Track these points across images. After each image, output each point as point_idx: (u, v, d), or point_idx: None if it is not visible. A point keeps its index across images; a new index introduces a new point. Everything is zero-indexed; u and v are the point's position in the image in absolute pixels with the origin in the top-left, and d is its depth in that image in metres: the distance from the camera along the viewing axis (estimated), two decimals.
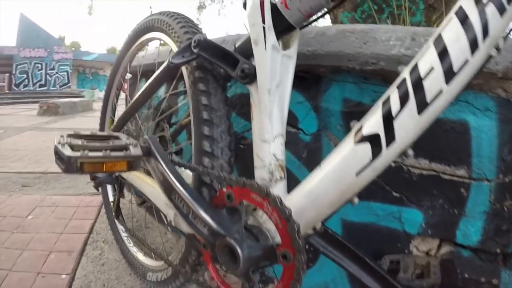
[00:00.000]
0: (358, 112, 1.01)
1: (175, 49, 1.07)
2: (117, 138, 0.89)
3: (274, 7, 0.79)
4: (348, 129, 1.03)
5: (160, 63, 1.58)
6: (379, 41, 0.95)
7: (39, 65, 24.66)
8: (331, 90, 1.09)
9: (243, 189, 0.72)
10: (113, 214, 1.60)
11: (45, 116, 9.96)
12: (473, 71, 0.56)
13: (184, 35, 1.02)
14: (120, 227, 1.66)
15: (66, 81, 25.81)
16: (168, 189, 0.83)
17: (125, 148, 0.81)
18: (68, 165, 0.73)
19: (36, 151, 4.48)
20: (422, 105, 0.56)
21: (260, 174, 0.79)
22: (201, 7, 10.05)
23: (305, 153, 1.17)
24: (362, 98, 1.02)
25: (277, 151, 0.77)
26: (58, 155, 0.79)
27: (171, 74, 1.01)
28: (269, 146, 0.77)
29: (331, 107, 1.08)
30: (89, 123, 8.81)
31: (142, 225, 2.02)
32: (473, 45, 0.54)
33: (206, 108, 0.91)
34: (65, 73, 25.74)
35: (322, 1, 0.72)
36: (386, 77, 0.96)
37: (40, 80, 24.76)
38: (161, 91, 1.72)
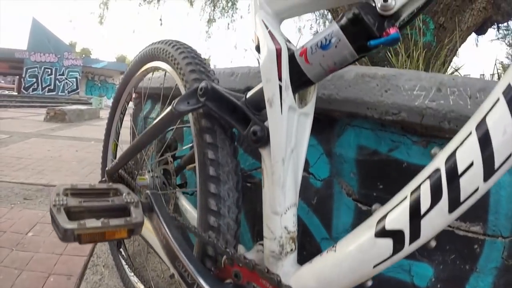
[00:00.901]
0: (373, 161, 0.97)
1: (180, 84, 1.03)
2: (117, 192, 0.84)
3: (291, 58, 0.71)
4: (362, 178, 1.01)
5: (166, 88, 1.59)
6: (402, 89, 0.90)
7: (49, 70, 25.11)
8: (345, 136, 1.04)
9: (253, 273, 0.68)
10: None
11: (51, 123, 9.99)
12: None
13: (190, 75, 0.97)
14: (121, 255, 1.62)
15: (75, 87, 26.26)
16: (171, 255, 0.79)
17: (125, 208, 0.76)
18: (65, 236, 0.68)
19: (39, 161, 4.46)
20: (454, 204, 0.50)
21: (270, 246, 0.73)
22: (210, 20, 10.11)
23: (315, 199, 1.11)
24: (378, 147, 0.97)
25: (288, 223, 0.71)
26: (54, 222, 0.72)
27: (176, 120, 0.96)
28: (280, 218, 0.71)
29: (345, 154, 1.03)
30: (95, 131, 8.84)
31: (144, 251, 1.98)
32: None
33: (213, 163, 0.84)
34: (74, 79, 26.19)
35: (347, 55, 0.64)
36: (406, 127, 0.92)
37: (49, 85, 25.19)
38: None
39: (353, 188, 1.01)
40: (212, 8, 9.91)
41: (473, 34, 3.15)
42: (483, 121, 0.49)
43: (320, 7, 0.88)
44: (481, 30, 3.10)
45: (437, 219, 0.51)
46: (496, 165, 0.48)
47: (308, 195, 1.12)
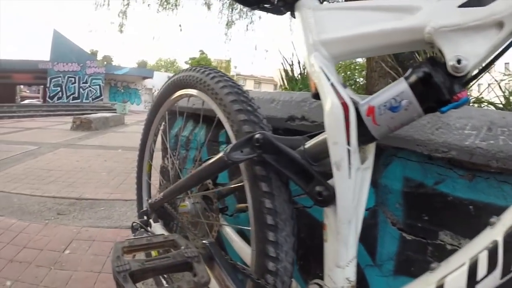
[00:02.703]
0: (419, 193, 0.95)
1: (225, 122, 0.99)
2: (174, 244, 0.82)
3: (358, 117, 0.68)
4: (407, 209, 0.99)
5: (206, 110, 1.58)
6: (453, 128, 0.88)
7: (72, 78, 25.75)
8: (392, 167, 1.02)
9: None
10: None
11: (78, 131, 10.22)
12: None
13: (241, 124, 0.91)
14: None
15: (99, 94, 26.82)
16: None
17: (187, 263, 0.75)
18: None
19: (69, 172, 4.56)
20: (506, 271, 0.52)
21: None
22: (229, 23, 10.14)
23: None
24: (425, 179, 0.94)
25: (350, 274, 0.71)
26: None
27: (227, 167, 0.92)
28: (343, 271, 0.70)
29: (391, 185, 1.01)
30: (121, 138, 9.02)
31: None
32: None
33: (271, 212, 0.81)
34: (98, 86, 26.78)
35: (415, 116, 0.63)
36: (453, 161, 0.89)
37: (74, 93, 25.84)
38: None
39: (398, 218, 1.00)
40: (230, 10, 9.96)
41: None
42: None
43: (381, 52, 0.84)
44: None
45: (490, 284, 0.52)
46: None
47: None
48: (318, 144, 0.77)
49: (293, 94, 1.28)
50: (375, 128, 0.66)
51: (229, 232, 1.21)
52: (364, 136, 0.68)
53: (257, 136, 0.80)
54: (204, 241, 0.81)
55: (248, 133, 0.87)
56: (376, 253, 1.06)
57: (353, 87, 5.70)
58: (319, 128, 1.05)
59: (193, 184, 1.11)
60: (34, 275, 1.91)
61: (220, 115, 1.01)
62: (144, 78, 31.51)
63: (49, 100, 24.87)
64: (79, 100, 25.58)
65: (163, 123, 1.64)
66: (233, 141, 0.91)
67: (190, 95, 1.26)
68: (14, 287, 1.80)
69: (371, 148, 0.74)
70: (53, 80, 25.29)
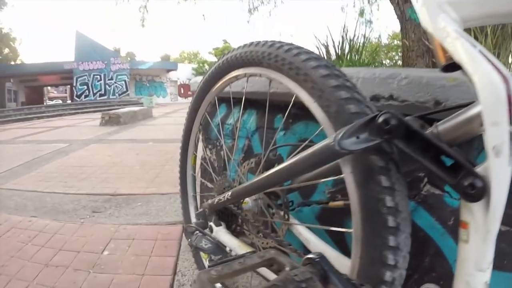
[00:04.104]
0: None
1: (309, 102, 0.82)
2: (273, 264, 0.64)
3: None
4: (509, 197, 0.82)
5: (257, 93, 1.42)
6: None
7: (98, 76, 26.59)
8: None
9: None
10: None
11: (107, 127, 10.23)
12: None
13: (344, 103, 0.74)
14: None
15: (125, 90, 27.48)
16: None
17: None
18: None
19: (102, 168, 4.47)
20: None
21: None
22: (252, 9, 9.95)
23: (451, 219, 0.96)
24: None
25: (488, 277, 0.59)
26: None
27: (336, 158, 0.73)
28: (484, 274, 0.58)
29: None
30: (150, 131, 8.99)
31: None
32: None
33: (391, 211, 0.67)
34: (123, 82, 27.41)
35: None
36: None
37: (100, 90, 26.61)
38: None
39: None
40: None
41: None
42: None
43: None
44: None
45: None
46: None
47: (442, 215, 0.97)
48: (459, 125, 0.62)
49: (375, 70, 1.10)
50: None
51: (303, 232, 1.08)
52: None
53: (385, 116, 0.62)
54: (311, 256, 0.60)
55: (355, 114, 0.71)
56: None
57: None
58: (411, 109, 0.94)
59: (281, 180, 0.91)
60: (72, 280, 1.77)
61: (303, 94, 0.84)
62: (169, 70, 32.00)
63: (77, 99, 25.44)
64: (105, 97, 26.25)
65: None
66: (327, 125, 0.77)
67: (252, 75, 1.08)
68: None
69: None
70: (79, 79, 26.06)
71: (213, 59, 31.80)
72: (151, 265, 1.93)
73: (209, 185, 1.97)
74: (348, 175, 0.73)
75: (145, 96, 26.95)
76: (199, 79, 2.29)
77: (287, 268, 0.59)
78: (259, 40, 1.04)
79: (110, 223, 2.57)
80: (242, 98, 1.30)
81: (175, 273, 1.87)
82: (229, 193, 1.08)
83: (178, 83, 32.72)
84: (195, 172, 1.67)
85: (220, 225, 1.22)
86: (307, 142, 0.96)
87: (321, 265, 0.58)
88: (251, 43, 1.05)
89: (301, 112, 1.35)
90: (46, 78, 27.02)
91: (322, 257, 0.59)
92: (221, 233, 1.18)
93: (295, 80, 0.86)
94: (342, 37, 3.71)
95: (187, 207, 1.71)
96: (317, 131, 0.84)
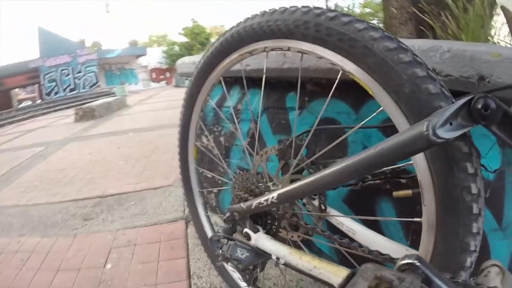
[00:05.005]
0: None
1: (376, 87, 0.72)
2: (384, 279, 0.54)
3: None
4: None
5: (257, 71, 1.25)
6: None
7: (66, 70, 25.83)
8: None
9: None
10: None
11: (82, 122, 9.78)
12: None
13: (420, 82, 0.66)
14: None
15: (95, 81, 26.82)
16: None
17: None
18: None
19: (84, 168, 4.19)
20: None
21: None
22: None
23: (487, 192, 0.98)
24: None
25: None
26: None
27: (429, 148, 0.63)
28: None
29: None
30: (128, 121, 8.70)
31: None
32: None
33: (474, 198, 0.65)
34: (93, 73, 26.74)
35: None
36: None
37: (70, 85, 25.92)
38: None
39: None
40: None
41: None
42: None
43: None
44: None
45: None
46: None
47: None
48: None
49: (414, 41, 1.02)
50: None
51: (346, 223, 1.01)
52: None
53: (484, 101, 0.57)
54: (409, 261, 0.54)
55: (434, 95, 0.65)
56: (502, 217, 1.01)
57: None
58: (455, 84, 0.90)
59: (352, 176, 0.79)
60: None
61: (357, 71, 0.75)
62: (138, 56, 31.44)
63: (47, 97, 24.65)
64: (76, 91, 25.57)
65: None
66: (393, 107, 0.70)
67: (275, 49, 0.92)
68: None
69: None
70: (46, 76, 25.25)
71: (183, 39, 31.15)
72: (162, 272, 1.74)
73: (209, 174, 1.82)
74: (421, 163, 0.70)
75: (116, 85, 26.24)
76: (187, 59, 2.06)
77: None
78: (284, 6, 0.87)
79: (105, 230, 2.33)
80: (242, 78, 1.14)
81: (190, 276, 1.69)
82: (275, 195, 0.90)
83: (149, 68, 32.08)
84: (199, 166, 1.46)
85: (258, 230, 1.03)
86: (361, 125, 0.87)
87: (421, 268, 0.55)
88: (273, 11, 0.89)
89: (318, 89, 1.25)
90: (12, 80, 25.84)
91: (421, 260, 0.55)
92: (263, 240, 0.99)
93: (344, 55, 0.75)
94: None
95: (194, 205, 1.52)
96: (378, 111, 0.76)
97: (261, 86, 1.49)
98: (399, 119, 0.70)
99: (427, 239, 0.73)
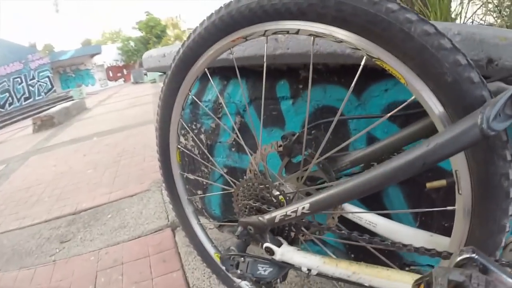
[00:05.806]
0: None
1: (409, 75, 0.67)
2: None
3: None
4: None
5: (246, 58, 1.16)
6: None
7: (18, 78, 24.46)
8: None
9: None
10: None
11: (42, 132, 9.31)
12: None
13: (462, 71, 0.62)
14: None
15: (50, 86, 25.67)
16: None
17: None
18: None
19: (51, 183, 3.90)
20: None
21: None
22: None
23: None
24: None
25: None
26: None
27: (478, 143, 0.60)
28: None
29: None
30: (90, 125, 8.38)
31: None
32: None
33: (510, 183, 0.67)
34: (47, 78, 25.58)
35: None
36: None
37: (24, 94, 24.58)
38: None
39: None
40: None
41: None
42: None
43: None
44: None
45: None
46: None
47: None
48: None
49: (468, 27, 0.96)
50: None
51: (365, 216, 1.00)
52: None
53: None
54: (466, 255, 0.55)
55: (476, 84, 0.62)
56: None
57: None
58: None
59: (408, 175, 0.68)
60: None
61: (388, 58, 0.68)
62: (93, 55, 30.61)
63: (1, 110, 23.56)
64: (31, 99, 24.38)
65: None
66: (429, 96, 0.67)
67: (278, 31, 0.80)
68: None
69: None
70: None
71: (138, 34, 30.49)
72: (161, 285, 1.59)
73: (191, 176, 1.69)
74: (460, 154, 0.69)
75: (73, 88, 25.57)
76: (155, 52, 1.83)
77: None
78: None
79: (86, 251, 2.12)
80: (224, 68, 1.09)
81: (189, 286, 1.56)
82: (306, 205, 0.79)
83: (105, 66, 31.33)
84: (184, 171, 1.27)
85: (281, 243, 0.92)
86: (392, 113, 0.77)
87: (480, 260, 0.55)
88: None
89: (315, 75, 1.15)
90: None
91: (477, 252, 0.56)
92: (291, 254, 0.90)
93: (373, 39, 0.68)
94: None
95: (184, 215, 1.36)
96: (410, 100, 0.71)
97: (244, 76, 1.33)
98: (435, 109, 0.67)
99: (462, 225, 0.75)
